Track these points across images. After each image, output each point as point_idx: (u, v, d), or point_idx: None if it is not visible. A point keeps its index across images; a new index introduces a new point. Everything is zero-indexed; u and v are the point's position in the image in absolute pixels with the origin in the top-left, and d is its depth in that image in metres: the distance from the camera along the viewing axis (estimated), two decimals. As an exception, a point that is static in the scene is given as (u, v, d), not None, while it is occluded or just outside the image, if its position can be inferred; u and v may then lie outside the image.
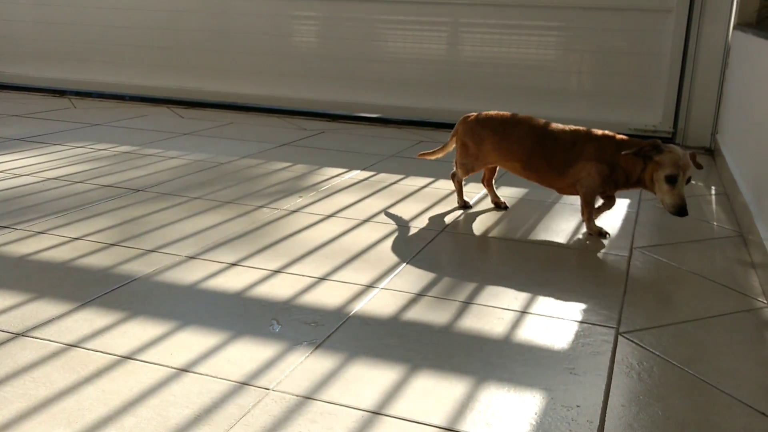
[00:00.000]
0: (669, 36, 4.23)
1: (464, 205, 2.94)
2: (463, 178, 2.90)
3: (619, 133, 2.58)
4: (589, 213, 2.60)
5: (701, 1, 4.11)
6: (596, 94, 4.47)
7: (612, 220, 2.82)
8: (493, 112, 2.80)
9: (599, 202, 2.68)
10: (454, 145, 2.91)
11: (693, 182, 2.76)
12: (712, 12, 4.11)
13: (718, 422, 1.47)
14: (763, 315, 2.00)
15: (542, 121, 2.69)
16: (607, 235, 2.61)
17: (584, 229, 2.69)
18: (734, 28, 3.94)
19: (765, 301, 2.09)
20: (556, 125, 2.66)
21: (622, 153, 2.44)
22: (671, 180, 2.35)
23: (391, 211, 2.86)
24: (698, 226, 2.77)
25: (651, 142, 2.40)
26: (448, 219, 2.78)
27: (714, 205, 3.10)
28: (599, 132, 2.58)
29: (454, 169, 2.92)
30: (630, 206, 3.04)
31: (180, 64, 5.39)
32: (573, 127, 2.63)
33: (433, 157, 3.03)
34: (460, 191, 2.94)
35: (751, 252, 2.48)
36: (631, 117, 4.40)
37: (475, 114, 2.83)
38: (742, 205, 2.82)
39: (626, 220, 2.84)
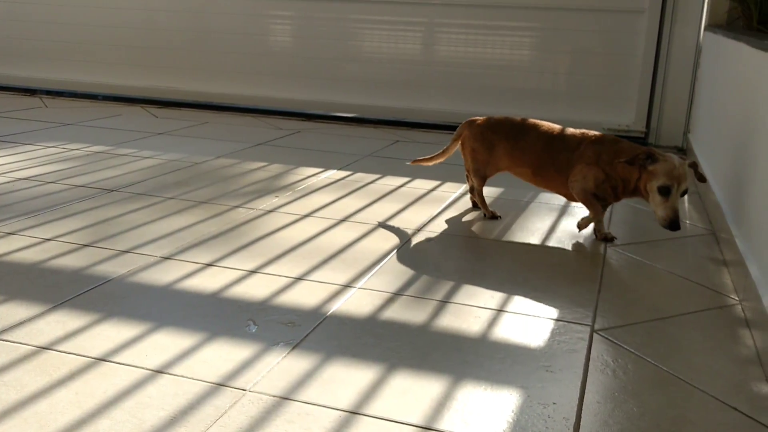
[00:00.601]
0: (642, 37, 4.27)
1: (493, 216, 2.79)
2: (482, 188, 2.78)
3: (621, 138, 2.52)
4: (594, 213, 2.52)
5: (673, 2, 4.17)
6: (571, 94, 4.51)
7: (587, 218, 2.85)
8: (501, 116, 2.71)
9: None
10: (454, 150, 2.82)
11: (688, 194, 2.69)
12: (683, 13, 4.16)
13: (691, 418, 1.49)
14: (735, 312, 2.03)
15: (553, 125, 2.62)
16: (615, 240, 2.55)
17: (560, 228, 2.71)
18: (705, 30, 3.99)
19: (737, 298, 2.12)
20: (567, 129, 2.58)
21: (615, 161, 2.37)
22: (664, 191, 2.27)
23: (368, 210, 2.86)
24: (671, 225, 2.81)
25: (646, 150, 2.32)
26: (424, 218, 2.78)
27: (687, 204, 3.14)
28: (605, 136, 2.50)
29: (468, 182, 2.82)
30: (604, 205, 3.07)
31: (155, 63, 5.34)
32: (582, 131, 2.56)
33: (431, 163, 2.90)
34: (483, 203, 2.80)
35: (723, 250, 2.52)
36: (605, 116, 4.44)
37: (482, 118, 2.74)
38: (714, 203, 2.86)
39: (601, 218, 2.87)
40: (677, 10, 4.17)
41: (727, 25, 3.80)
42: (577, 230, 2.65)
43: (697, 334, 1.88)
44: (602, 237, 2.55)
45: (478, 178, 2.75)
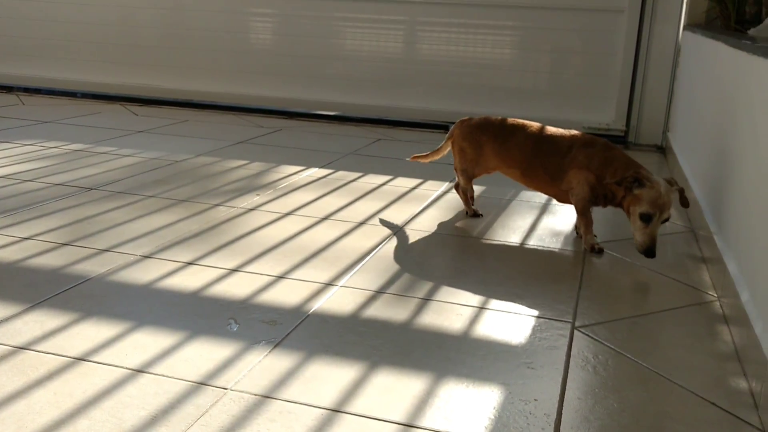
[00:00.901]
0: (621, 36, 4.30)
1: (474, 214, 2.81)
2: (468, 187, 2.78)
3: (612, 142, 2.49)
4: (586, 225, 2.47)
5: (652, 2, 4.20)
6: (551, 93, 4.53)
7: (567, 217, 2.86)
8: (492, 116, 2.69)
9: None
10: (448, 149, 2.80)
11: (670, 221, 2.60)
12: (662, 13, 4.20)
13: (671, 413, 1.50)
14: (713, 308, 2.05)
15: (542, 126, 2.60)
16: (603, 252, 2.46)
17: (541, 226, 2.72)
18: (684, 29, 4.03)
19: (715, 295, 2.14)
20: (556, 130, 2.56)
21: (604, 183, 2.35)
22: (645, 218, 2.25)
23: (350, 208, 2.86)
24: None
25: (633, 173, 2.27)
26: (406, 216, 2.78)
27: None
28: (596, 140, 2.48)
29: (456, 179, 2.80)
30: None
31: (134, 60, 5.30)
32: (573, 132, 2.54)
33: (426, 160, 2.90)
34: (466, 201, 2.81)
35: (702, 247, 2.54)
36: (586, 115, 4.47)
37: (473, 117, 2.73)
38: (692, 201, 2.88)
39: (581, 216, 2.88)
40: (657, 9, 4.20)
41: (705, 24, 3.84)
42: (576, 234, 2.63)
43: (677, 331, 1.90)
44: (590, 248, 2.47)
45: (465, 177, 2.75)
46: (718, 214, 2.40)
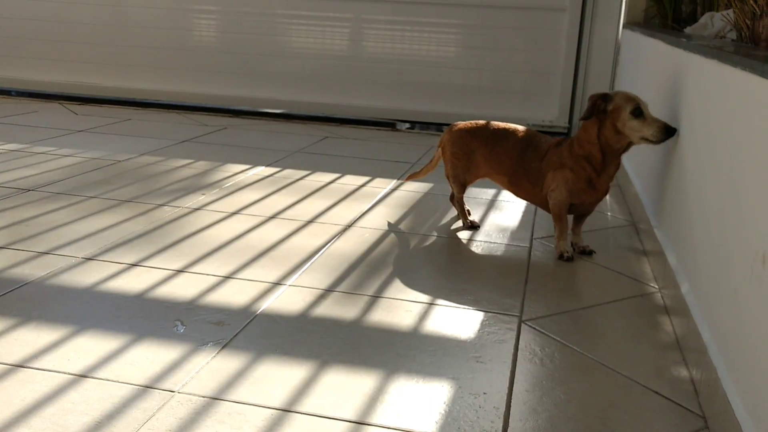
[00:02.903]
0: (563, 34, 4.38)
1: (471, 226, 2.68)
2: (462, 196, 2.67)
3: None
4: (560, 230, 2.40)
5: (593, 1, 4.29)
6: (496, 91, 4.59)
7: (512, 212, 2.90)
8: (482, 121, 2.61)
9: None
10: (440, 157, 2.69)
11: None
12: (603, 11, 4.29)
13: (616, 402, 1.54)
14: (655, 299, 2.11)
15: (532, 131, 2.51)
16: (572, 260, 2.38)
17: (488, 222, 2.75)
18: (624, 27, 4.13)
19: (656, 286, 2.20)
20: (542, 136, 2.48)
21: (579, 119, 2.23)
22: (637, 113, 2.17)
23: (298, 207, 2.84)
24: (593, 217, 2.89)
25: (596, 93, 2.26)
26: (355, 214, 2.78)
27: (608, 197, 3.23)
28: (564, 139, 2.41)
29: (451, 190, 2.70)
30: (530, 198, 3.13)
31: (73, 57, 5.15)
32: (555, 138, 2.46)
33: (422, 176, 2.83)
34: (462, 212, 2.69)
35: (643, 240, 2.61)
36: (530, 112, 4.53)
37: (463, 123, 2.63)
38: (633, 196, 2.96)
39: (526, 212, 2.92)
40: (597, 8, 4.30)
41: (644, 23, 3.94)
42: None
43: (620, 322, 1.94)
44: (559, 254, 2.39)
45: (458, 184, 2.64)
46: (658, 208, 2.46)
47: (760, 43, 2.25)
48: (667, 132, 2.15)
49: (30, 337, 1.69)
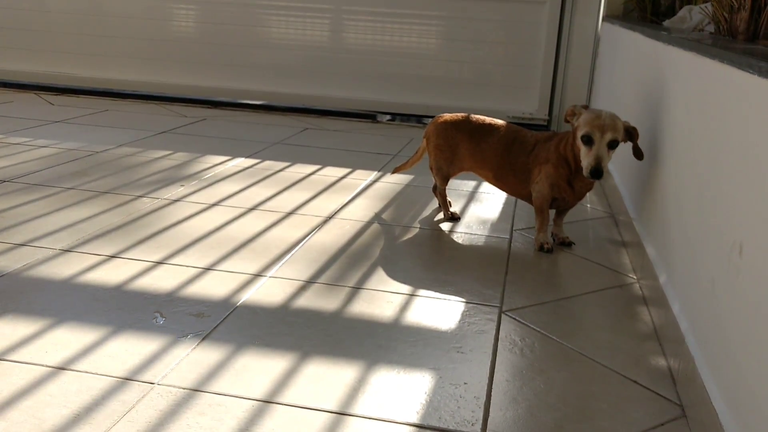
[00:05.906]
0: (543, 27, 4.40)
1: (452, 217, 2.68)
2: (444, 187, 2.67)
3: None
4: (541, 222, 2.41)
5: (573, -7, 4.31)
6: (476, 83, 4.59)
7: (493, 204, 2.91)
8: (469, 115, 2.59)
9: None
10: (426, 149, 2.69)
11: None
12: (582, 4, 4.31)
13: (595, 392, 1.55)
14: (633, 290, 2.13)
15: (516, 127, 2.52)
16: (552, 252, 2.39)
17: (468, 213, 2.76)
18: (603, 20, 4.15)
19: (635, 277, 2.22)
20: (527, 131, 2.49)
21: (565, 118, 2.29)
22: (586, 140, 2.17)
23: (278, 198, 2.83)
24: (573, 209, 2.91)
25: (576, 105, 2.27)
26: (335, 205, 2.77)
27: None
28: (554, 134, 2.42)
29: (434, 181, 2.71)
30: (510, 190, 3.14)
31: (49, 47, 5.08)
32: (544, 133, 2.46)
33: (408, 168, 2.85)
34: (444, 203, 2.70)
35: (622, 231, 2.63)
36: (510, 105, 4.55)
37: (448, 115, 2.62)
38: (612, 187, 2.98)
39: (507, 203, 2.94)
40: (577, 1, 4.31)
41: (623, 15, 3.96)
42: (554, 240, 2.52)
43: (599, 312, 1.96)
44: (539, 246, 2.40)
45: (441, 177, 2.64)
46: (636, 199, 2.48)
47: (737, 36, 2.27)
48: (591, 173, 2.16)
49: (7, 330, 1.67)
